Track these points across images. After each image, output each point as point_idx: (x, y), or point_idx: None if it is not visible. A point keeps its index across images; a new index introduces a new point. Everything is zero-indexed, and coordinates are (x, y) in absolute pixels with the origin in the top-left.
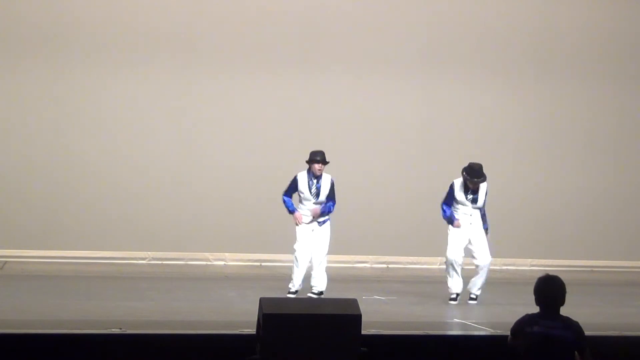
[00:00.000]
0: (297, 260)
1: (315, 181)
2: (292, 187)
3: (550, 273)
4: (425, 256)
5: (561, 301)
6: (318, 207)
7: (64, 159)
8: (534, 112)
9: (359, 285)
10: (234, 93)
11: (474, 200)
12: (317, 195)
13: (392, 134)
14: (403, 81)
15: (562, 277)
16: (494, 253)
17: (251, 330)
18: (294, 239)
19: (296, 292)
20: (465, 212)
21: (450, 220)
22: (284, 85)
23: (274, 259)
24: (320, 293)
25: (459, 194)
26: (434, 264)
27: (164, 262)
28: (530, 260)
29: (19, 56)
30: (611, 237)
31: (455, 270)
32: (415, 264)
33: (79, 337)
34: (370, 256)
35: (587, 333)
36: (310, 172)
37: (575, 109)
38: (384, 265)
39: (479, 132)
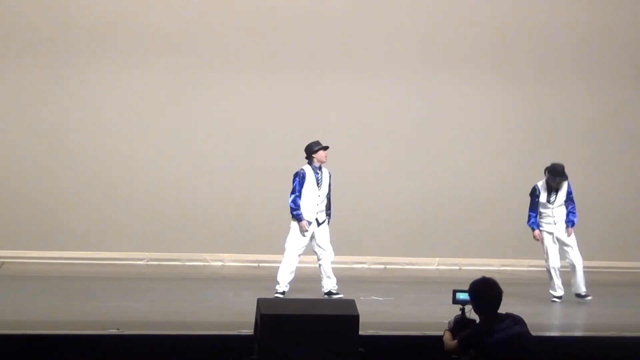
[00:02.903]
0: (290, 262)
1: (319, 173)
2: (300, 183)
3: (486, 275)
4: (423, 257)
5: (500, 302)
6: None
7: (61, 160)
8: (532, 112)
9: (357, 285)
10: (231, 95)
11: (555, 201)
12: (321, 186)
13: (390, 134)
14: (401, 82)
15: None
16: (491, 254)
17: (249, 330)
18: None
19: (283, 292)
20: (549, 215)
21: (532, 228)
22: (282, 86)
23: (272, 260)
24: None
25: (543, 196)
26: (431, 264)
27: (162, 263)
28: (528, 261)
29: (16, 57)
30: (608, 237)
31: (557, 275)
32: (413, 264)
33: (77, 338)
34: (368, 257)
35: (586, 334)
36: (312, 165)
37: (575, 108)
38: (382, 266)
39: (477, 132)
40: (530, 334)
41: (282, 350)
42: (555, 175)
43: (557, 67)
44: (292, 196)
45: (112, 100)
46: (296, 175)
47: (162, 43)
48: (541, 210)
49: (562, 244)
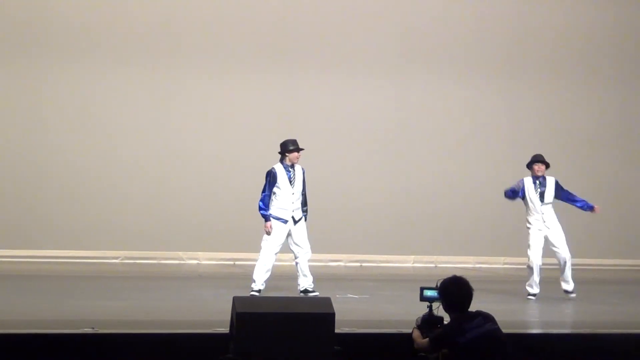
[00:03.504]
0: (267, 261)
1: (292, 171)
2: (272, 183)
3: (457, 274)
4: (399, 255)
5: (471, 301)
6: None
7: (34, 160)
8: (510, 111)
9: (333, 283)
10: (210, 94)
11: (542, 195)
12: (294, 184)
13: (367, 132)
14: (380, 80)
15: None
16: (467, 252)
17: (224, 329)
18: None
19: (259, 291)
20: (537, 212)
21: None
22: (260, 86)
23: (248, 258)
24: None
25: (530, 190)
26: (407, 262)
27: (137, 262)
28: (503, 258)
29: (3, 56)
30: (583, 235)
31: (537, 273)
32: (389, 262)
33: (52, 337)
34: (344, 255)
35: (561, 331)
36: (284, 163)
37: (554, 108)
38: (358, 264)
39: (454, 132)
40: (501, 331)
41: (257, 349)
42: (536, 159)
43: (537, 67)
44: (262, 195)
45: (88, 99)
46: (267, 174)
47: (142, 43)
48: (529, 207)
49: (550, 244)
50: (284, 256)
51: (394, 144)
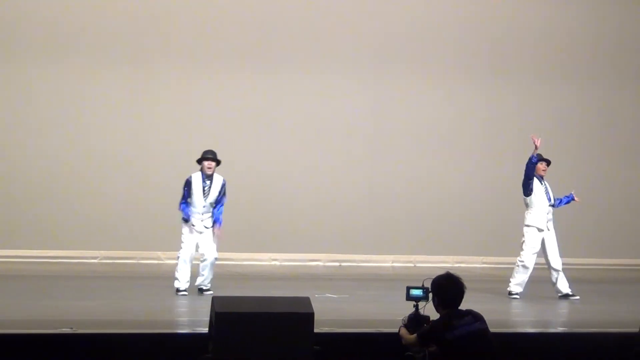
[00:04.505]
0: (184, 262)
1: (208, 182)
2: (188, 190)
3: (451, 272)
4: (378, 254)
5: (462, 298)
6: (218, 229)
7: (10, 160)
8: (489, 112)
9: (312, 283)
10: (189, 95)
11: (548, 195)
12: (208, 195)
13: (345, 132)
14: (357, 79)
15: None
16: (446, 251)
17: (204, 329)
18: (247, 237)
19: (185, 289)
20: (544, 212)
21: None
22: (240, 86)
23: (227, 258)
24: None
25: (539, 189)
26: (386, 262)
27: (116, 261)
28: (482, 258)
29: None
30: (561, 234)
31: (527, 273)
32: (368, 262)
33: (30, 337)
34: (323, 254)
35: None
36: (202, 172)
37: (536, 109)
38: (337, 264)
39: (433, 132)
40: (489, 331)
41: (237, 349)
42: (540, 158)
43: (517, 66)
44: (182, 201)
45: (63, 99)
46: (185, 182)
47: (115, 44)
48: (536, 207)
49: (545, 247)
50: (260, 256)
51: (372, 144)
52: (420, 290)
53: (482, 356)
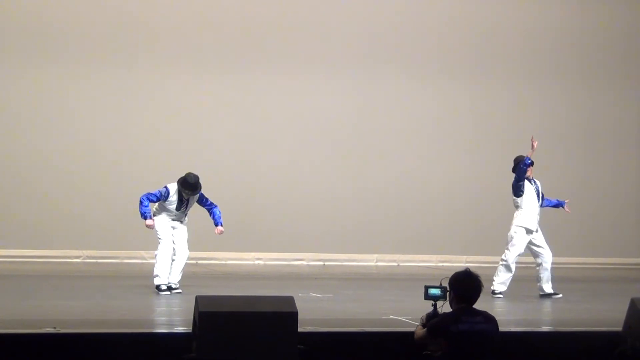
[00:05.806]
0: (166, 257)
1: (185, 201)
2: (159, 196)
3: (470, 269)
4: (361, 253)
5: (479, 296)
6: (221, 228)
7: None
8: (474, 111)
9: (296, 282)
10: (175, 95)
11: (538, 196)
12: (186, 207)
13: (328, 131)
14: (341, 78)
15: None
16: (429, 250)
17: (187, 328)
18: (231, 237)
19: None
20: (534, 213)
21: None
22: (228, 86)
23: (210, 257)
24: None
25: (530, 190)
26: (370, 261)
27: (99, 261)
28: (465, 257)
29: None
30: (545, 233)
31: (511, 271)
32: (351, 261)
33: (12, 337)
34: (307, 253)
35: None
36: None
37: (520, 107)
38: (321, 263)
39: (417, 131)
40: (497, 336)
41: (220, 348)
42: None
43: (504, 67)
44: (148, 196)
45: (44, 98)
46: (164, 188)
47: (102, 43)
48: (526, 208)
49: (535, 245)
50: (246, 255)
51: (356, 143)
52: (439, 289)
53: (481, 357)
